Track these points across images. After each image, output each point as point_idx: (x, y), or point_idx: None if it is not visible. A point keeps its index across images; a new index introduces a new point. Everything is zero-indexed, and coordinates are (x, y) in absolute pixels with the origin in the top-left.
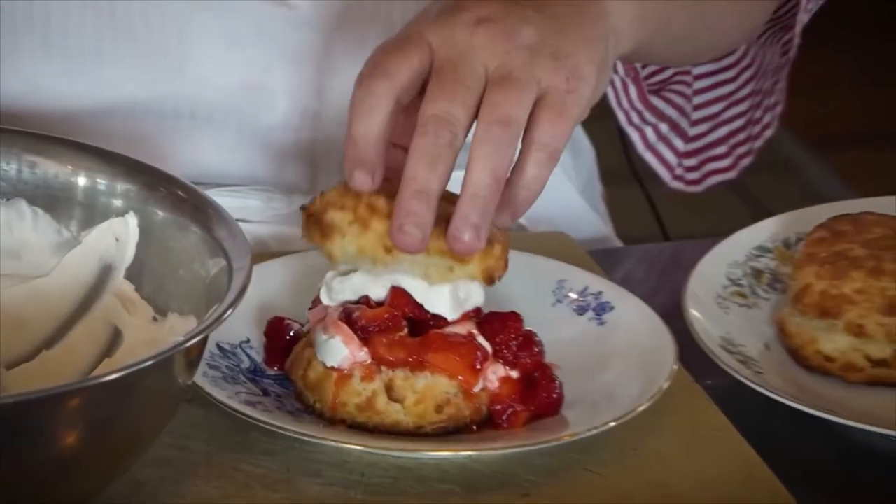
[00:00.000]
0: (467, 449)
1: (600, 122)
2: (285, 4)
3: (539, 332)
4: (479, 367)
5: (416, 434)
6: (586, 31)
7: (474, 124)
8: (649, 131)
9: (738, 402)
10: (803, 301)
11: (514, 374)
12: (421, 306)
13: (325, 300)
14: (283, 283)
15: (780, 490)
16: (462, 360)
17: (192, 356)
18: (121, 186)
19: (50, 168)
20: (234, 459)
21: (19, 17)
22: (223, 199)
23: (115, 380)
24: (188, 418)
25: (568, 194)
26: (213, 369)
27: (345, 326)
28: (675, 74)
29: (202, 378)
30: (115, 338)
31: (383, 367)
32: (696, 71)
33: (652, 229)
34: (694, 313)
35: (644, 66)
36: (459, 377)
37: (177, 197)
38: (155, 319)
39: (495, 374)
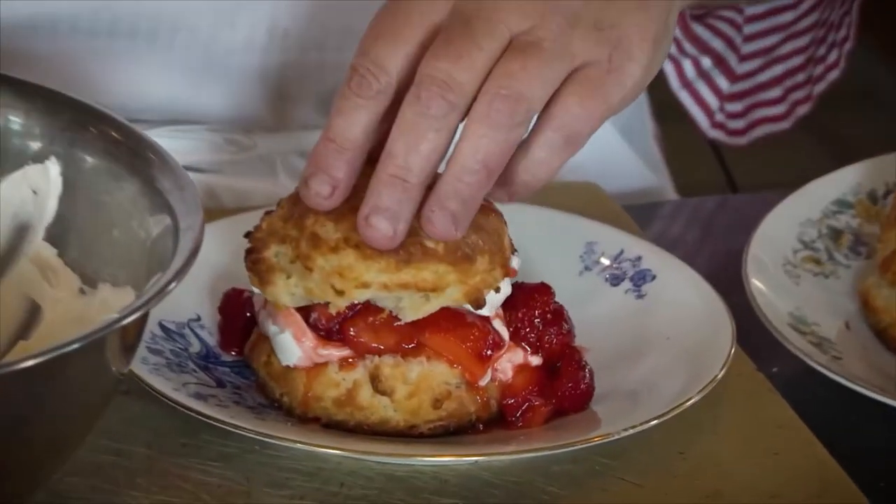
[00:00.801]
0: (472, 454)
1: None
2: None
3: (567, 307)
4: (487, 354)
5: (408, 435)
6: None
7: None
8: (687, 65)
9: (810, 394)
10: (893, 269)
11: (536, 360)
12: None
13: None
14: (242, 247)
15: (861, 502)
16: (466, 345)
17: (129, 338)
18: (39, 125)
19: None
20: (181, 466)
21: None
22: (168, 141)
23: (31, 367)
24: (124, 415)
25: (604, 135)
26: (156, 354)
27: (297, 317)
28: None
29: (141, 366)
30: (32, 314)
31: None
32: None
33: (715, 177)
34: (756, 284)
35: None
36: (461, 366)
37: (110, 139)
38: (82, 292)
39: (510, 363)
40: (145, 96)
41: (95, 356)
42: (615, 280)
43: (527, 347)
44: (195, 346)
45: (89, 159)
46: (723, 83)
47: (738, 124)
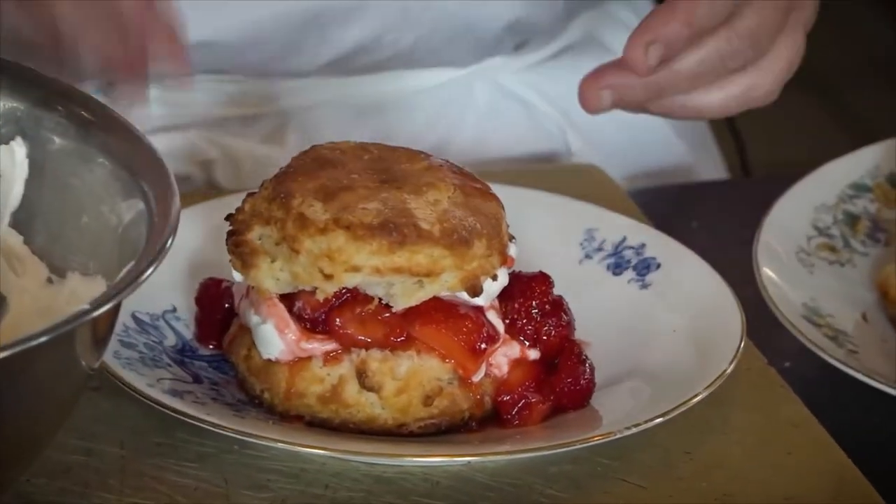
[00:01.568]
0: (465, 454)
1: None
2: None
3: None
4: (481, 348)
5: (397, 434)
6: None
7: None
8: None
9: (825, 390)
10: None
11: (533, 353)
12: None
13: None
14: (222, 234)
15: None
16: (459, 337)
17: (100, 330)
18: (3, 104)
19: None
20: (156, 467)
21: None
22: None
23: None
24: (95, 413)
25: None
26: (128, 348)
27: (280, 307)
28: None
29: (113, 360)
30: None
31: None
32: None
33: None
34: (768, 274)
35: None
36: (454, 361)
37: (79, 118)
38: (50, 281)
39: (506, 357)
40: None
41: (64, 350)
42: (617, 268)
43: (524, 340)
44: (170, 340)
45: (57, 140)
46: None
47: None
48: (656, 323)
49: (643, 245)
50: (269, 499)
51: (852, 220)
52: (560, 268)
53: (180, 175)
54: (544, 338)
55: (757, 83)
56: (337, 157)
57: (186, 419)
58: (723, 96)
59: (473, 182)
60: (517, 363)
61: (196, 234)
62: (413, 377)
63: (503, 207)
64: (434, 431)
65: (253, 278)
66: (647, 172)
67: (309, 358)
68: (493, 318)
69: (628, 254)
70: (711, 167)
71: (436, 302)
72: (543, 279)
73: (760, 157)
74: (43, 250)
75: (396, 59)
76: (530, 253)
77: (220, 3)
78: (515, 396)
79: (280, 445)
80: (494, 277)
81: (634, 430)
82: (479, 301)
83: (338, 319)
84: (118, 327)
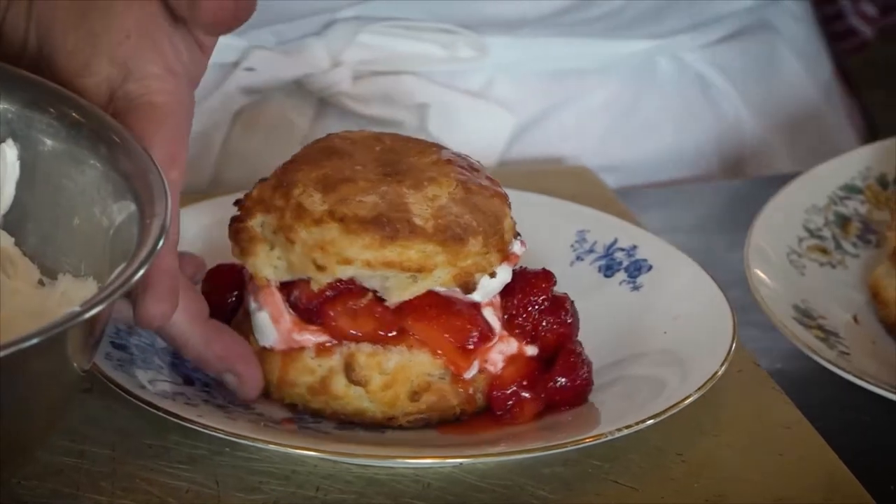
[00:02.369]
0: (456, 455)
1: None
2: None
3: None
4: (471, 346)
5: (386, 427)
6: None
7: None
8: None
9: (816, 392)
10: None
11: (531, 350)
12: None
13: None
14: (215, 234)
15: None
16: (449, 335)
17: (92, 332)
18: None
19: None
20: (147, 469)
21: None
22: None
23: None
24: (87, 415)
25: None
26: (120, 349)
27: (277, 296)
28: None
29: (105, 361)
30: None
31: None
32: None
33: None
34: (759, 275)
35: None
36: (445, 357)
37: (70, 120)
38: (41, 283)
39: (502, 354)
40: None
41: (56, 352)
42: (609, 270)
43: (522, 336)
44: (161, 341)
45: (48, 142)
46: None
47: None
48: (648, 325)
49: (634, 247)
50: (261, 501)
51: (843, 221)
52: (552, 269)
53: (390, 119)
54: (542, 334)
55: None
56: (346, 147)
57: (178, 421)
58: None
59: (480, 178)
60: (512, 359)
61: (187, 235)
62: (401, 372)
63: (509, 206)
64: (423, 425)
65: (251, 265)
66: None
67: (302, 348)
68: (490, 315)
69: (620, 256)
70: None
71: (431, 297)
72: (545, 276)
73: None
74: (34, 252)
75: (605, 19)
76: (521, 255)
77: None
78: (508, 393)
79: (271, 447)
80: (492, 275)
81: (626, 431)
82: (475, 298)
83: (330, 311)
84: (109, 329)
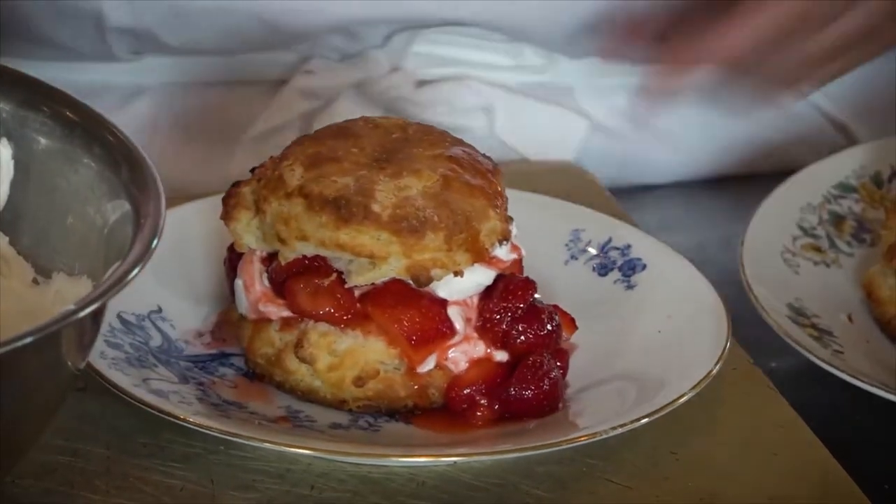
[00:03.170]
0: (451, 454)
1: None
2: None
3: (547, 298)
4: (425, 339)
5: (338, 409)
6: None
7: None
8: None
9: (810, 390)
10: None
11: (500, 355)
12: None
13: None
14: (210, 234)
15: None
16: (400, 326)
17: (86, 331)
18: None
19: None
20: (141, 468)
21: None
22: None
23: None
24: (81, 414)
25: None
26: (114, 348)
27: (255, 266)
28: None
29: (99, 360)
30: None
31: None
32: None
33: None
34: (754, 273)
35: None
36: (399, 347)
37: (64, 119)
38: (36, 282)
39: (465, 354)
40: None
41: (50, 351)
42: (603, 269)
43: (492, 342)
44: (156, 340)
45: (43, 141)
46: None
47: None
48: (642, 323)
49: (629, 246)
50: (256, 499)
51: (838, 220)
52: (546, 269)
53: (457, 126)
54: (512, 342)
55: None
56: (362, 130)
57: (171, 419)
58: None
59: (477, 179)
60: (478, 362)
61: (182, 234)
62: (349, 356)
63: (499, 211)
64: (373, 412)
65: (231, 230)
66: None
67: (269, 320)
68: (455, 314)
69: (614, 255)
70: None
71: (397, 286)
72: (524, 285)
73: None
74: (28, 251)
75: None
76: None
77: None
78: (464, 394)
79: (266, 445)
80: (458, 273)
81: (620, 430)
82: (440, 294)
83: (293, 287)
84: (104, 328)
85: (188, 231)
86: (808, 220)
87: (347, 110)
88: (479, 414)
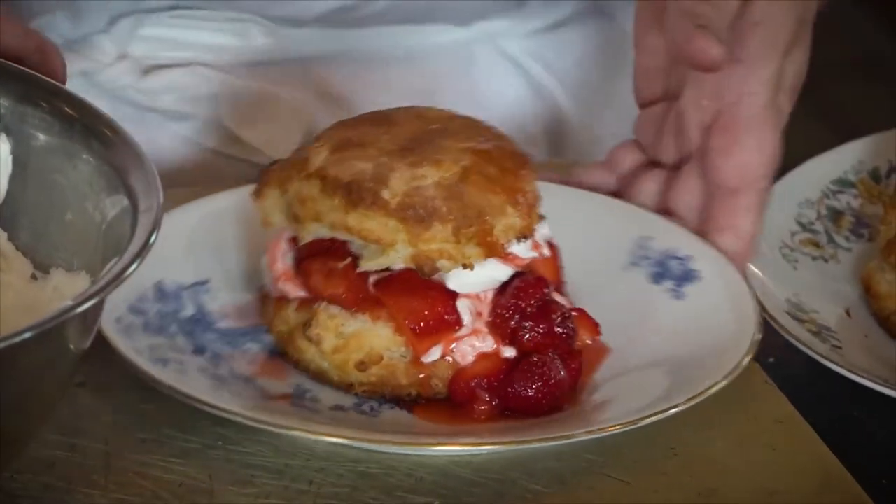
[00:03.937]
0: (447, 445)
1: None
2: None
3: (597, 301)
4: (429, 330)
5: (346, 392)
6: None
7: None
8: None
9: (809, 386)
10: None
11: (508, 352)
12: None
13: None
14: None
15: (863, 500)
16: (405, 314)
17: (84, 327)
18: None
19: None
20: (140, 463)
21: None
22: (174, 31)
23: None
24: (79, 409)
25: None
26: (137, 314)
27: (282, 244)
28: None
29: (115, 325)
30: None
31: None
32: None
33: None
34: (752, 269)
35: None
36: (405, 335)
37: (63, 114)
38: (34, 278)
39: (472, 347)
40: None
41: (48, 346)
42: (657, 278)
43: (502, 337)
44: (188, 310)
45: (41, 136)
46: None
47: None
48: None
49: (688, 256)
50: (254, 494)
51: (836, 215)
52: (600, 273)
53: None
54: (521, 339)
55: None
56: (400, 117)
57: (157, 387)
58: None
59: (497, 172)
60: (485, 357)
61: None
62: (354, 339)
63: (521, 206)
64: (378, 398)
65: (258, 206)
66: None
67: (289, 299)
68: (464, 306)
69: (672, 264)
70: None
71: (410, 275)
72: (537, 283)
73: None
74: (27, 247)
75: (394, 11)
76: (572, 256)
77: None
78: (466, 388)
79: (267, 428)
80: (467, 266)
81: (620, 429)
82: (450, 286)
83: (308, 267)
84: (131, 294)
85: (248, 212)
86: (806, 215)
87: None
88: (481, 408)
